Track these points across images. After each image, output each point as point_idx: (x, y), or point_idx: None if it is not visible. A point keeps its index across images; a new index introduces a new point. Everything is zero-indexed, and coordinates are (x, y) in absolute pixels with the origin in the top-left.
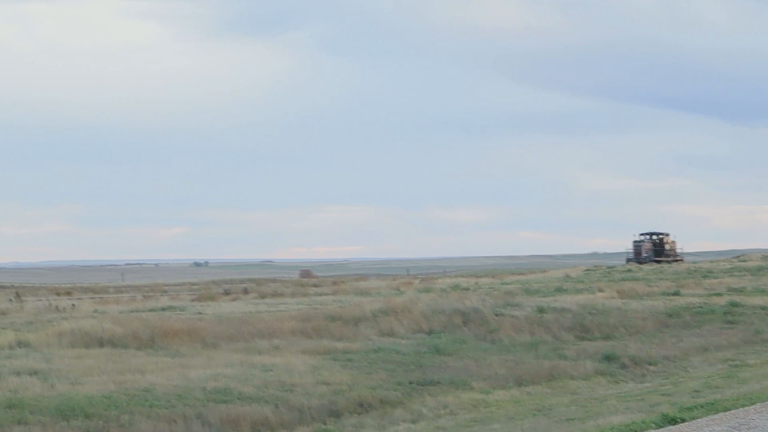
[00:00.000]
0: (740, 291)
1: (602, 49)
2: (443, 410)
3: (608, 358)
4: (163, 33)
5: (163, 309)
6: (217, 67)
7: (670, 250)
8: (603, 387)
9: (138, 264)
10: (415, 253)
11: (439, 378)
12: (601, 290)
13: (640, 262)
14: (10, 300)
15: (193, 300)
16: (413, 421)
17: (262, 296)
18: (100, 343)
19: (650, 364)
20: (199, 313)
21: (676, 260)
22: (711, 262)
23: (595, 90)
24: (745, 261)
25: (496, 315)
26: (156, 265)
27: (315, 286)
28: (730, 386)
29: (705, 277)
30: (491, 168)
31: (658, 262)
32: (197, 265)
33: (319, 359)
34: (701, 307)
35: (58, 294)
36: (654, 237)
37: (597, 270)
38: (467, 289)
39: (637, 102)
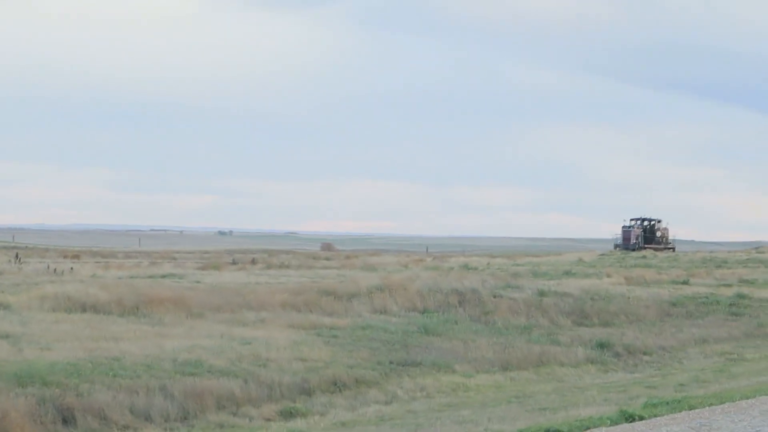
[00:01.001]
0: (751, 282)
1: (641, 39)
2: (420, 393)
3: (602, 345)
4: (203, 4)
5: (163, 276)
6: (251, 38)
7: (661, 237)
8: (591, 375)
9: (163, 231)
10: (441, 231)
11: (422, 359)
12: (609, 276)
13: (629, 249)
14: (10, 261)
15: (197, 268)
16: (386, 403)
17: (269, 267)
18: (83, 309)
19: (645, 353)
20: (197, 282)
21: (668, 248)
22: (728, 252)
23: (631, 76)
24: (762, 252)
25: (494, 296)
26: (181, 232)
27: (327, 259)
28: (719, 381)
29: (718, 266)
30: (525, 150)
31: (648, 249)
32: (222, 234)
33: (302, 334)
34: (707, 297)
35: (65, 257)
36: (645, 223)
37: (612, 255)
38: (475, 269)
39: (672, 90)
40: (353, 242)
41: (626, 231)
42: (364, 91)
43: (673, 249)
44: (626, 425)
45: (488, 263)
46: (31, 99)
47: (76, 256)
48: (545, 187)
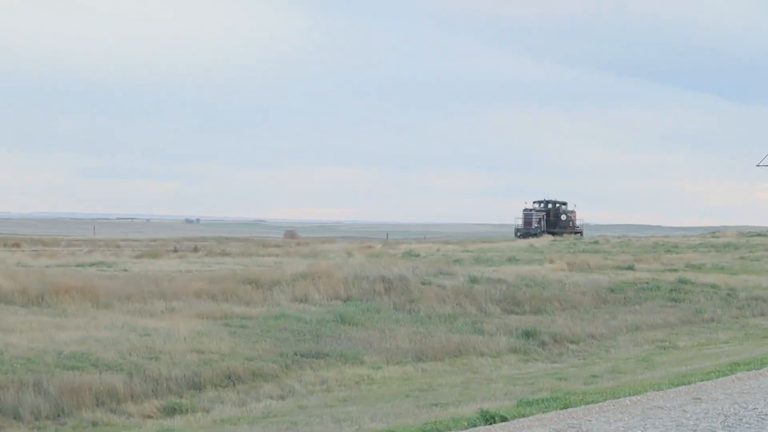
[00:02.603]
0: (698, 268)
1: (600, 21)
2: (319, 386)
3: (528, 334)
4: None
5: (92, 264)
6: (215, 23)
7: (567, 221)
8: (510, 366)
9: (129, 219)
10: (407, 217)
11: (331, 350)
12: (551, 261)
13: (530, 235)
14: None
15: (134, 257)
16: (281, 398)
17: (209, 255)
18: None
19: (572, 342)
20: (124, 270)
21: (576, 233)
22: (683, 236)
23: (591, 62)
24: (717, 237)
25: (423, 284)
26: (147, 220)
27: (276, 246)
28: (635, 372)
29: (668, 251)
30: (487, 136)
31: (553, 234)
32: (189, 222)
33: (209, 324)
34: (647, 283)
35: (4, 245)
36: (549, 206)
37: (564, 240)
38: (418, 255)
39: (633, 76)
40: (320, 229)
41: (527, 214)
42: (332, 78)
43: (581, 233)
44: (482, 428)
45: (438, 249)
46: None
47: (16, 245)
48: (509, 173)
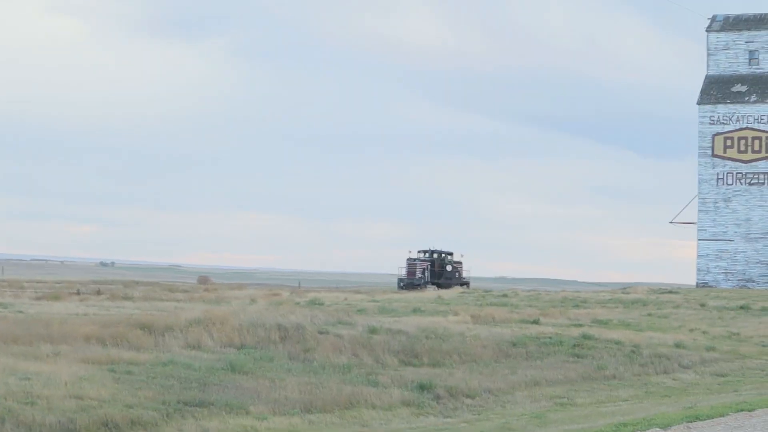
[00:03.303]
0: (604, 323)
1: (520, 75)
2: None
3: (422, 387)
4: (82, 29)
5: None
6: (135, 66)
7: (452, 271)
8: (401, 420)
9: (44, 260)
10: (325, 266)
11: (216, 399)
12: (456, 314)
13: (415, 286)
14: None
15: (35, 298)
16: None
17: (112, 298)
18: None
19: (468, 396)
20: (19, 312)
21: (462, 284)
22: (594, 291)
23: (511, 115)
24: (627, 293)
25: (320, 333)
26: (62, 262)
27: (183, 291)
28: (525, 429)
29: (576, 306)
30: (405, 186)
31: (438, 285)
32: (103, 265)
33: (94, 369)
34: (551, 338)
35: None
36: (434, 255)
37: (473, 293)
38: (321, 304)
39: (553, 129)
40: (236, 276)
41: (411, 264)
42: (253, 126)
43: (468, 285)
44: None
45: (345, 299)
46: None
47: None
48: (426, 223)
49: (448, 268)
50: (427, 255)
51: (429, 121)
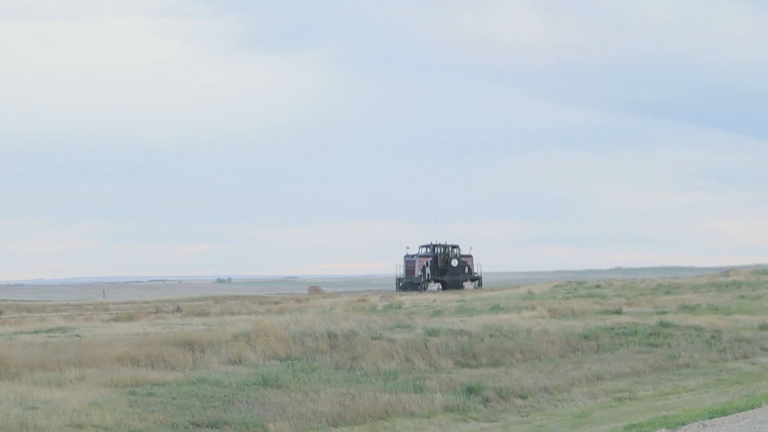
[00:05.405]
0: (691, 309)
1: (620, 64)
2: None
3: (471, 390)
4: (185, 50)
5: (49, 330)
6: (240, 83)
7: (459, 266)
8: (439, 428)
9: (161, 281)
10: None
11: (233, 418)
12: (533, 308)
13: (413, 285)
14: None
15: (111, 320)
16: None
17: (188, 315)
18: None
19: (521, 397)
20: (76, 336)
21: (473, 280)
22: (695, 277)
23: (616, 105)
24: (728, 276)
25: (373, 339)
26: (180, 281)
27: (276, 303)
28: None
29: (667, 293)
30: (515, 184)
31: (444, 284)
32: (220, 281)
33: (112, 393)
34: (626, 328)
35: None
36: (437, 250)
37: (566, 285)
38: (399, 307)
39: (656, 116)
40: (351, 283)
41: (409, 262)
42: (356, 134)
43: (479, 281)
44: None
45: (434, 300)
46: (24, 153)
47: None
48: (536, 220)
49: (454, 263)
50: (428, 250)
51: (532, 117)
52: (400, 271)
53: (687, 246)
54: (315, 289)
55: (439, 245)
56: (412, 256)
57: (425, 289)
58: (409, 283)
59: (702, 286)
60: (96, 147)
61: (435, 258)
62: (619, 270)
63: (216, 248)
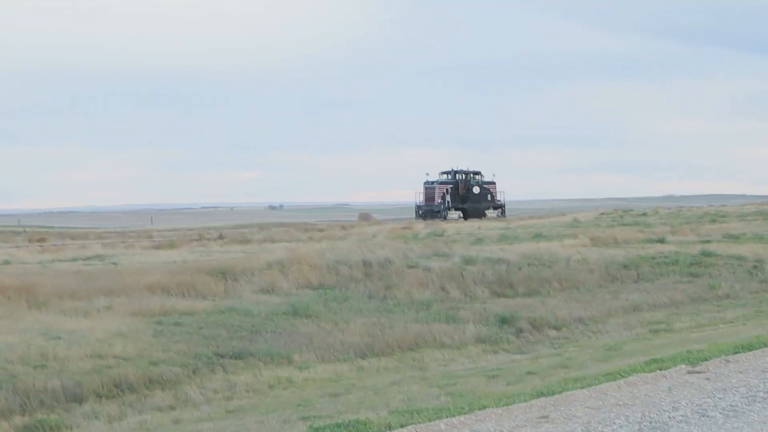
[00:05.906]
0: (736, 238)
1: None
2: (222, 393)
3: (504, 321)
4: None
5: (87, 258)
6: (285, 14)
7: (481, 194)
8: (464, 359)
9: (213, 207)
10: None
11: (258, 348)
12: (575, 237)
13: (434, 213)
14: None
15: (154, 247)
16: (171, 408)
17: (230, 243)
18: None
19: (555, 328)
20: (113, 264)
21: (495, 208)
22: (740, 205)
23: (666, 32)
24: None
25: (409, 267)
26: (231, 208)
27: (320, 230)
28: (583, 366)
29: (713, 221)
30: (565, 111)
31: (465, 212)
32: (272, 208)
33: (138, 323)
34: (667, 257)
35: (30, 241)
36: (458, 176)
37: (613, 213)
38: (441, 235)
39: (709, 44)
40: (400, 210)
41: (429, 189)
42: (410, 63)
43: (502, 210)
44: None
45: (479, 228)
46: (76, 85)
47: (41, 239)
48: (585, 148)
49: (475, 190)
50: (449, 176)
51: (579, 44)
52: (420, 198)
53: (737, 174)
54: (365, 217)
55: (461, 171)
56: (432, 182)
57: (445, 217)
58: (428, 210)
59: (749, 214)
60: (144, 75)
61: (456, 185)
62: (671, 198)
63: (265, 175)
